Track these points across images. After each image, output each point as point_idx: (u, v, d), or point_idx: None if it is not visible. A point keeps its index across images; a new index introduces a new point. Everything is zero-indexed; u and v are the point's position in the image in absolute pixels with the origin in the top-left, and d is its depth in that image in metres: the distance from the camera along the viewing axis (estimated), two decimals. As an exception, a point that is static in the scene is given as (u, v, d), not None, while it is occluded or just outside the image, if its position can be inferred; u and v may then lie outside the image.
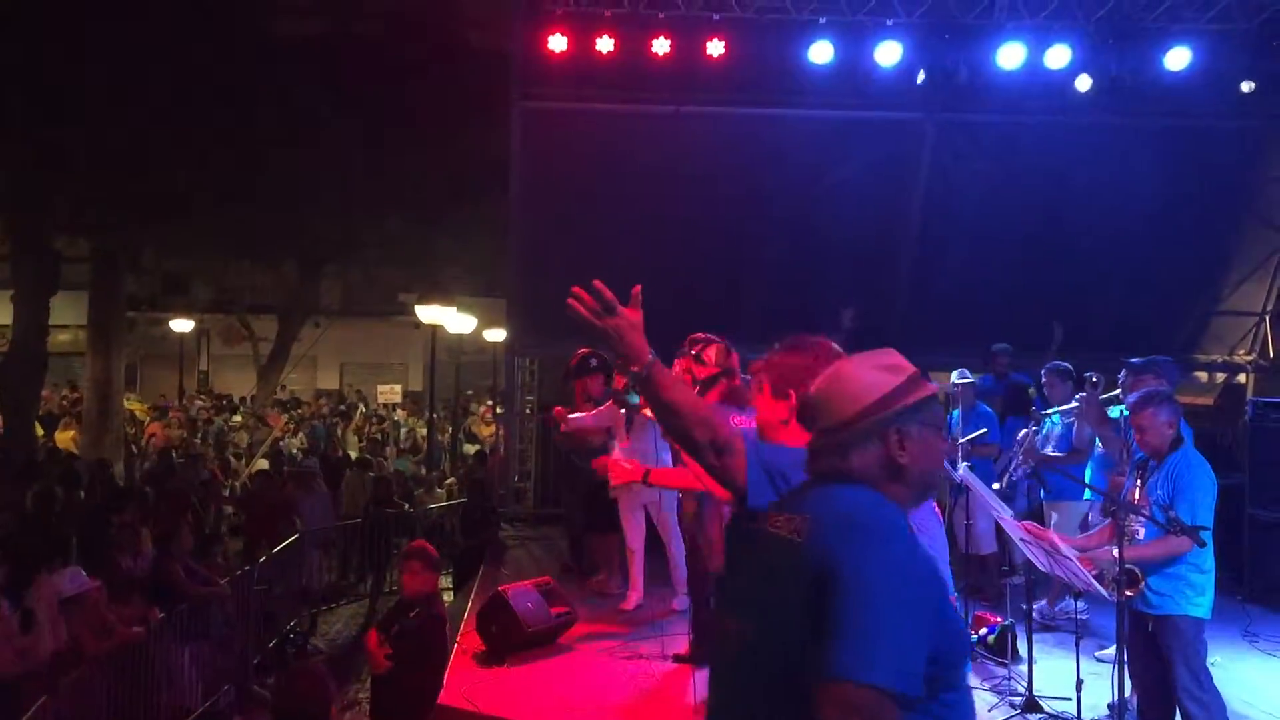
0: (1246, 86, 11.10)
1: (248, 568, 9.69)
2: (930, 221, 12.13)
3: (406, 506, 13.77)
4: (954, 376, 9.20)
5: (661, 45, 10.94)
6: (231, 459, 15.25)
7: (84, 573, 7.70)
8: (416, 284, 20.17)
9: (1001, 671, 6.68)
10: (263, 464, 14.88)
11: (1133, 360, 6.98)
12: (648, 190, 11.77)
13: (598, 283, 2.69)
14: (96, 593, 7.39)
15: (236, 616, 9.52)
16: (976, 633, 7.10)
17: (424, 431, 20.73)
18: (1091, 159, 11.38)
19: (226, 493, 13.48)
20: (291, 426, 20.11)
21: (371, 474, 13.82)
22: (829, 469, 2.30)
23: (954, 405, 8.98)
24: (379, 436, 19.46)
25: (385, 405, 22.86)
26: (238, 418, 21.50)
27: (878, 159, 11.81)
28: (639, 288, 2.77)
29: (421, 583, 6.06)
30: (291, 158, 15.99)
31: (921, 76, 11.11)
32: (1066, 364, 8.59)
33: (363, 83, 15.91)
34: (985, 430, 8.87)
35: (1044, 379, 8.64)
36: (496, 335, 18.24)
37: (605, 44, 10.99)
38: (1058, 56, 10.76)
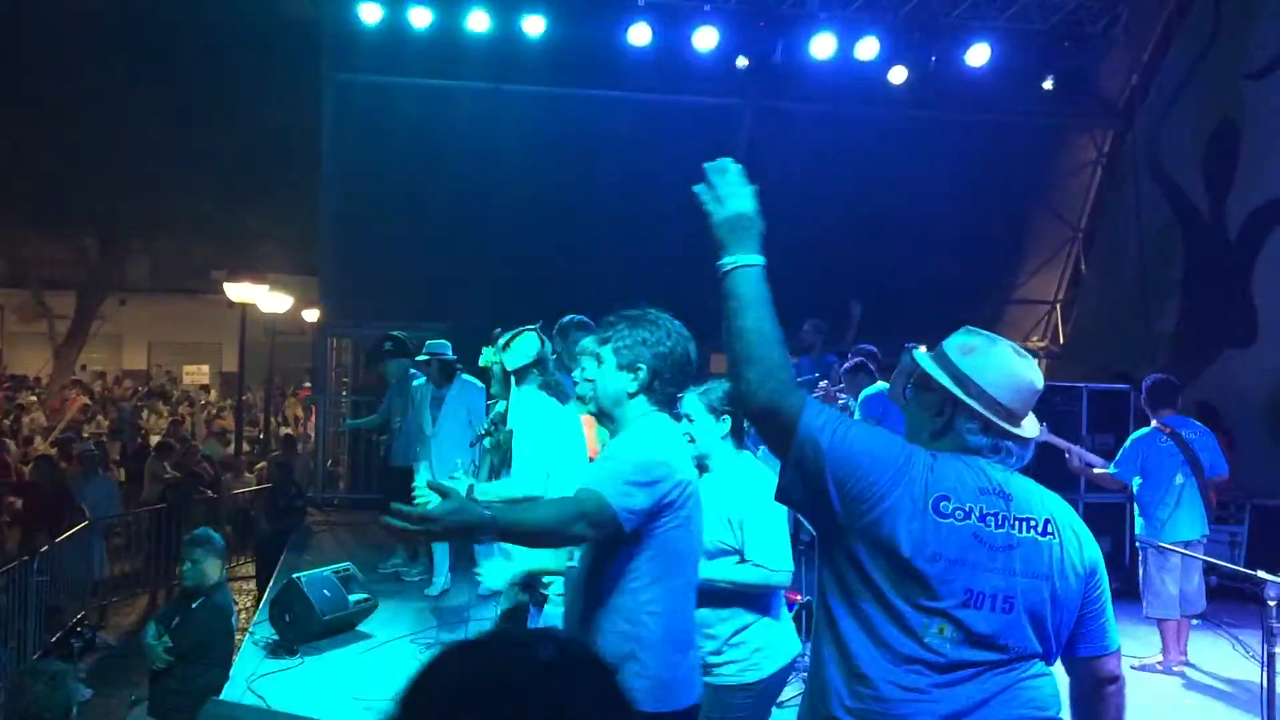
0: (1047, 84, 11.63)
1: (25, 558, 9.07)
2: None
3: (209, 492, 13.17)
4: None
5: (479, 21, 10.74)
6: (11, 443, 14.27)
7: None
8: (228, 260, 19.32)
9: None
10: (48, 449, 13.98)
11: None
12: (466, 169, 11.57)
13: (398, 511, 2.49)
14: None
15: (14, 610, 8.90)
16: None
17: (235, 414, 19.95)
18: (900, 149, 11.74)
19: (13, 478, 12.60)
20: (88, 408, 19.02)
21: (173, 458, 13.17)
22: None
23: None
24: (183, 420, 18.57)
25: (194, 386, 21.85)
26: (33, 397, 20.19)
27: (697, 143, 11.88)
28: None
29: (202, 571, 5.75)
30: (90, 128, 15.10)
31: (743, 62, 11.24)
32: (866, 354, 8.65)
33: (169, 51, 15.14)
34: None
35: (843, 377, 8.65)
36: (315, 315, 17.66)
37: (421, 17, 10.72)
38: (867, 48, 11.05)
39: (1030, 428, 2.48)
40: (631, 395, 3.01)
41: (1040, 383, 2.48)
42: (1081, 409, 8.74)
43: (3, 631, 8.69)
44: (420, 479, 4.54)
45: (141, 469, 13.52)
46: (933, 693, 2.31)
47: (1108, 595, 2.51)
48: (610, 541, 2.87)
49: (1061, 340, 13.43)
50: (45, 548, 9.41)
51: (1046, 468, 4.23)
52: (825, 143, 11.69)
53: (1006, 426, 2.42)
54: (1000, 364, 2.45)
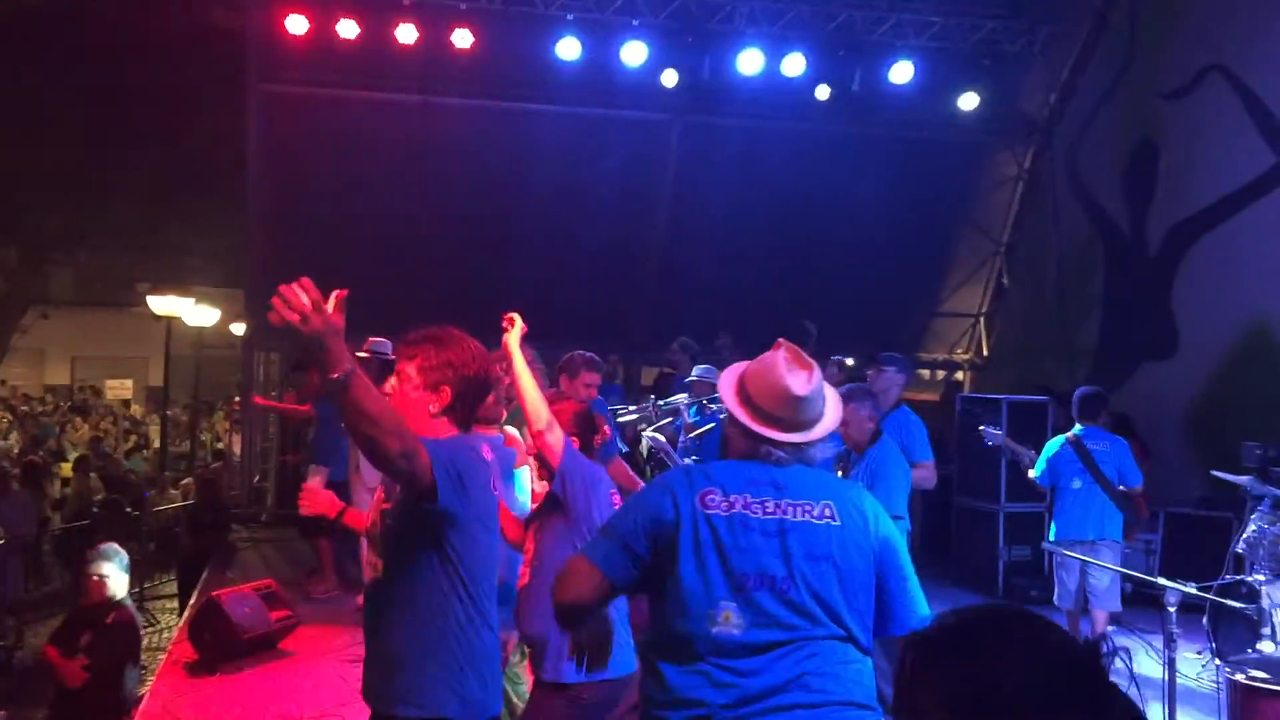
0: (966, 103, 11.88)
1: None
2: (677, 220, 12.41)
3: (130, 510, 12.91)
4: (696, 372, 9.33)
5: (407, 33, 10.71)
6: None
7: None
8: (153, 273, 19.00)
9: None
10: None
11: (884, 354, 7.15)
12: (395, 182, 11.52)
13: (305, 280, 2.60)
14: None
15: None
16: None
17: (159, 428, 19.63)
18: (827, 164, 11.89)
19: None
20: (7, 424, 18.57)
21: (92, 474, 12.91)
22: None
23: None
24: (104, 435, 18.20)
25: (117, 401, 21.39)
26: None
27: (626, 158, 11.98)
28: (344, 292, 2.71)
29: (106, 587, 5.64)
30: (10, 138, 14.79)
31: (673, 78, 11.32)
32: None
33: (90, 59, 14.87)
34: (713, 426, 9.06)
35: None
36: (243, 329, 17.40)
37: (348, 28, 10.66)
38: (793, 64, 11.19)
39: (812, 431, 2.64)
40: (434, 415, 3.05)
41: (803, 390, 2.63)
42: (1002, 420, 8.91)
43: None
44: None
45: (47, 485, 13.23)
46: (725, 675, 2.44)
47: (908, 574, 2.62)
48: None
49: (985, 352, 13.68)
50: (-43, 568, 9.18)
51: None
52: (752, 157, 11.82)
53: (766, 432, 2.60)
54: (766, 376, 2.65)
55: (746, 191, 11.98)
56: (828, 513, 2.55)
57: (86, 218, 18.58)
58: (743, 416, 2.63)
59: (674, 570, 2.51)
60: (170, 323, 16.11)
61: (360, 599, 7.66)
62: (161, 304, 15.80)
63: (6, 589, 10.46)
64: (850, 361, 8.39)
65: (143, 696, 6.39)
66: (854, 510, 2.59)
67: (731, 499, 2.54)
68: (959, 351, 13.78)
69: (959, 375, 13.72)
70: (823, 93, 11.54)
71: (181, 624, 7.20)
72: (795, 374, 2.64)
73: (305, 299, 2.53)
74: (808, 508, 2.54)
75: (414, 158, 11.46)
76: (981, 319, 13.74)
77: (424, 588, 2.92)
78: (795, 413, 2.62)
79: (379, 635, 3.02)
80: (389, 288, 11.51)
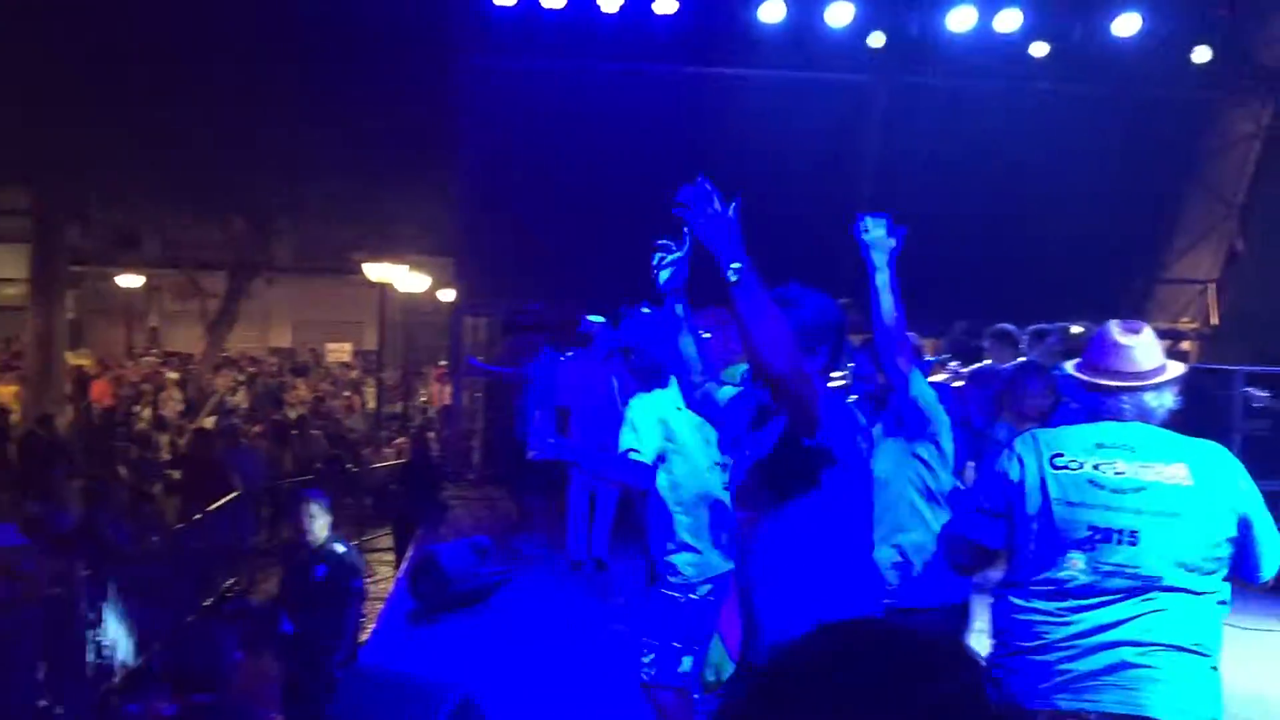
0: (1199, 56, 11.10)
1: (181, 526, 9.55)
2: (881, 186, 12.08)
3: (349, 466, 13.63)
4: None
5: (610, 2, 10.77)
6: (169, 416, 15.01)
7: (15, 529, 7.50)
8: (368, 241, 19.88)
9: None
10: (207, 422, 14.67)
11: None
12: (597, 150, 11.64)
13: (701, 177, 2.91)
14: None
15: (171, 575, 9.39)
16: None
17: (375, 390, 20.59)
18: (1043, 125, 11.34)
19: (168, 451, 13.28)
20: (237, 384, 19.87)
21: (315, 432, 13.68)
22: None
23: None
24: (324, 397, 19.25)
25: (336, 363, 22.56)
26: (172, 374, 21.19)
27: (829, 122, 11.74)
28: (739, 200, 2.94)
29: (321, 527, 5.94)
30: (238, 114, 15.70)
31: (880, 39, 11.01)
32: (1008, 326, 8.49)
33: (312, 33, 15.59)
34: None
35: (985, 343, 8.55)
36: (451, 295, 18.08)
37: (553, -1, 10.80)
38: (1008, 20, 10.70)
39: (1143, 379, 2.92)
40: None
41: (1128, 340, 2.95)
42: (1236, 393, 8.32)
43: (161, 596, 9.17)
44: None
45: (285, 443, 14.06)
46: (1067, 615, 2.79)
47: (1263, 532, 2.84)
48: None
49: (1214, 321, 12.82)
50: (199, 517, 9.88)
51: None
52: (962, 119, 11.38)
53: (1099, 380, 2.93)
54: (1100, 338, 3.01)
55: (953, 154, 11.54)
56: (1181, 473, 2.79)
57: (306, 190, 19.57)
58: (1081, 374, 2.98)
59: (1026, 524, 2.87)
60: (384, 289, 16.90)
61: (568, 555, 7.90)
62: (376, 271, 16.60)
63: (242, 537, 11.21)
64: (1079, 329, 7.97)
65: (363, 642, 6.75)
66: (1210, 470, 2.81)
67: (1081, 460, 2.84)
68: (1184, 320, 12.97)
69: (1184, 345, 12.92)
70: (1039, 49, 10.99)
71: (398, 574, 7.55)
72: (1124, 331, 2.97)
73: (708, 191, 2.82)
74: (1160, 468, 2.80)
75: (617, 126, 11.55)
76: (1211, 286, 12.87)
77: (805, 528, 2.90)
78: (1123, 362, 2.92)
79: (759, 583, 2.98)
80: (591, 255, 11.71)
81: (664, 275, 3.34)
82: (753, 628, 3.00)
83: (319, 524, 5.95)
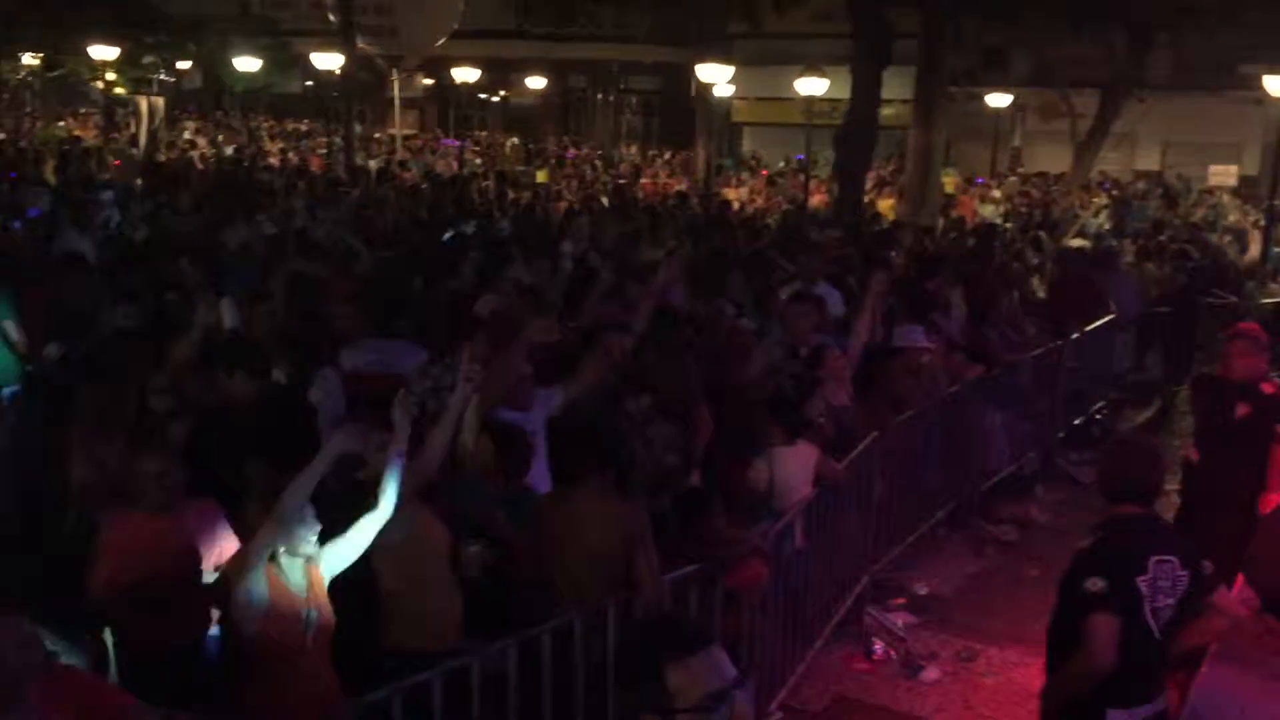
0: None
1: (1055, 344, 9.62)
2: None
3: (1229, 296, 12.47)
4: None
5: None
6: (1044, 236, 14.99)
7: (921, 332, 7.97)
8: (1262, 52, 17.57)
9: None
10: (1077, 242, 14.47)
11: None
12: None
13: None
14: (923, 355, 7.66)
15: (1042, 390, 9.58)
16: None
17: (1251, 220, 18.61)
18: None
19: (1036, 274, 13.23)
20: (1099, 208, 19.31)
21: (1191, 263, 12.69)
22: None
23: None
24: (1202, 222, 17.87)
25: (1213, 189, 20.69)
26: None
27: None
28: None
29: (1250, 365, 5.41)
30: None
31: None
32: None
33: None
34: None
35: None
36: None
37: None
38: None
39: None
40: None
41: None
42: None
43: (1034, 408, 9.43)
44: None
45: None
46: None
47: None
48: None
49: None
50: (1074, 336, 9.90)
51: None
52: None
53: None
54: None
55: None
56: None
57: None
58: None
59: None
60: (1273, 106, 14.89)
61: None
62: (1275, 84, 14.69)
63: (1111, 363, 11.06)
64: None
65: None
66: None
67: None
68: None
69: None
70: None
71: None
72: None
73: None
74: None
75: None
76: None
77: None
78: None
79: None
80: None
81: None
82: None
83: (1251, 361, 5.48)
